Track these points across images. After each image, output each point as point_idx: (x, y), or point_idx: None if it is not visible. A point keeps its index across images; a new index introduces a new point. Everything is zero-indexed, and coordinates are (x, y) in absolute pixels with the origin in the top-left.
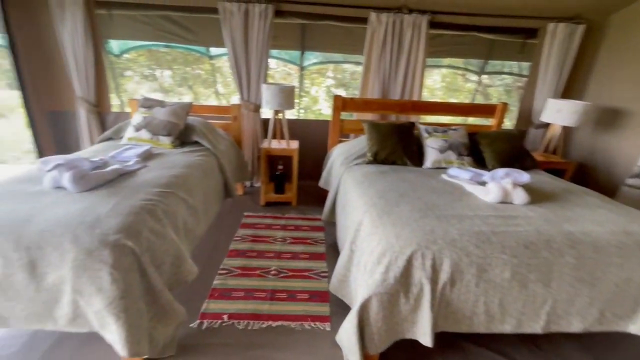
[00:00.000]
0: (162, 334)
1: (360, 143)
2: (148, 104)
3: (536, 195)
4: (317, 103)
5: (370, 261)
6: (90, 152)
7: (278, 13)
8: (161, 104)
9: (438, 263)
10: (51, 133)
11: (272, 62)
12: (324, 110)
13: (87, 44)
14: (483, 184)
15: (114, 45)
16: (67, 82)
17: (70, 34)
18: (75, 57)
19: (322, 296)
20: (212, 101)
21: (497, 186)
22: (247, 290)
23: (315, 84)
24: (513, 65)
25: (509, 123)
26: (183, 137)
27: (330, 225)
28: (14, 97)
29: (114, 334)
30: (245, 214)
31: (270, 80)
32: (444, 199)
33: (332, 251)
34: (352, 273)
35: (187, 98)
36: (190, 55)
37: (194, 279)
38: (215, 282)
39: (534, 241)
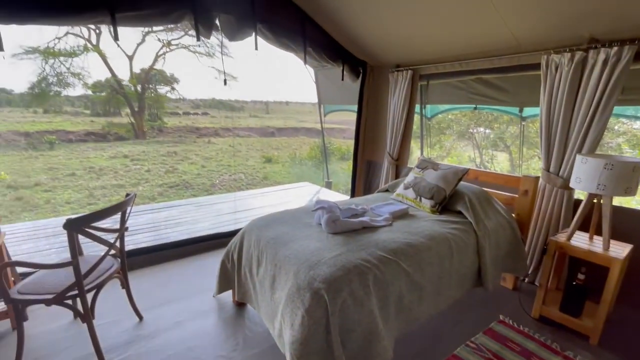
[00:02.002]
0: None
1: None
2: (423, 165)
3: None
4: None
5: None
6: (364, 199)
7: None
8: (435, 166)
9: None
10: (364, 176)
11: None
12: None
13: (403, 110)
14: None
15: (428, 109)
16: (383, 140)
17: (395, 102)
18: (393, 120)
19: None
20: (536, 163)
21: None
22: None
23: None
24: None
25: None
26: (447, 203)
27: None
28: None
29: None
30: (501, 317)
31: (625, 148)
32: None
33: None
34: None
35: (501, 157)
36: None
37: None
38: None
39: None
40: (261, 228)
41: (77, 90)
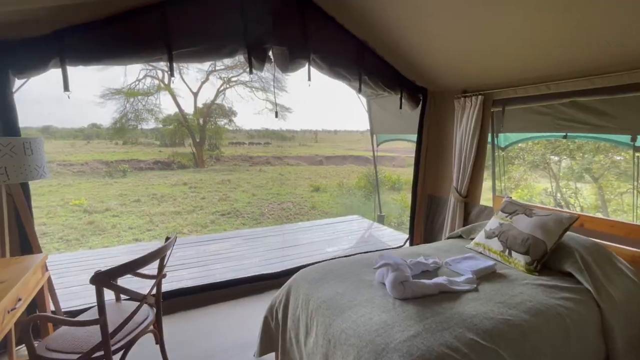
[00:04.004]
0: None
1: None
2: (511, 209)
3: None
4: None
5: None
6: (435, 248)
7: None
8: (527, 210)
9: None
10: (424, 212)
11: None
12: None
13: (473, 140)
14: None
15: (501, 138)
16: (448, 173)
17: (462, 132)
18: (460, 152)
19: None
20: (629, 198)
21: None
22: None
23: None
24: None
25: None
26: (548, 261)
27: None
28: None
29: None
30: None
31: None
32: None
33: None
34: None
35: (585, 190)
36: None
37: None
38: None
39: None
40: (311, 283)
41: (150, 124)
